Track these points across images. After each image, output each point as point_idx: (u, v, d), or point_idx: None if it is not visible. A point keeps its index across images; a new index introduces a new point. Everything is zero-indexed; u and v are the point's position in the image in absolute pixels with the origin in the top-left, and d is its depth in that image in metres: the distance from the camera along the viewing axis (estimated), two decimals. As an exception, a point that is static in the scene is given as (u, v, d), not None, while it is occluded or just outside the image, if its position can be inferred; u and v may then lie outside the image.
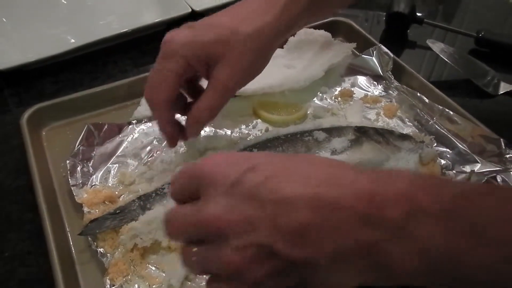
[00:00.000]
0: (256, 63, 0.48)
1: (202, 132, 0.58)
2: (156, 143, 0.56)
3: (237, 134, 0.58)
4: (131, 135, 0.57)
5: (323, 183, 0.28)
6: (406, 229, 0.26)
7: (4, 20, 0.75)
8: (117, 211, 0.47)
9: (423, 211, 0.26)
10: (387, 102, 0.61)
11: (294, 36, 0.67)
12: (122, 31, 0.71)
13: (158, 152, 0.55)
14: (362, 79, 0.65)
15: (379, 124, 0.58)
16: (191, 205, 0.31)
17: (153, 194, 0.48)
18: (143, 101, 0.61)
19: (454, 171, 0.52)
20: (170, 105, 0.46)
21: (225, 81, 0.45)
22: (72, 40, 0.72)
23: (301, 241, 0.27)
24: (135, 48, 0.73)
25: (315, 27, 0.69)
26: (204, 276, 0.43)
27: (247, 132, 0.59)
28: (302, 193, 0.27)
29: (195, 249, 0.30)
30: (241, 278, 0.28)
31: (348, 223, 0.27)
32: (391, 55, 0.64)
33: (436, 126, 0.57)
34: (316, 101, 0.62)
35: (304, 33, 0.67)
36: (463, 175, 0.51)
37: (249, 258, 0.28)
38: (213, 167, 0.30)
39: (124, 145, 0.56)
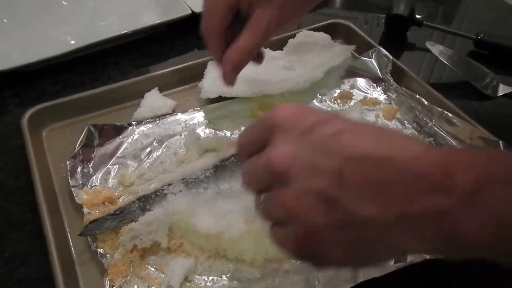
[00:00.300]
0: (297, 13, 0.49)
1: (202, 134, 0.58)
2: (156, 144, 0.57)
3: (237, 136, 0.58)
4: (131, 136, 0.57)
5: (395, 147, 0.28)
6: (478, 197, 0.25)
7: (5, 20, 0.76)
8: (117, 212, 0.47)
9: (495, 178, 0.26)
10: (386, 104, 0.61)
11: (294, 38, 0.67)
12: (122, 32, 0.71)
13: (157, 154, 0.56)
14: (361, 81, 0.65)
15: (378, 126, 0.59)
16: (261, 153, 0.31)
17: (153, 195, 0.48)
18: (143, 102, 0.61)
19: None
20: (223, 36, 0.47)
21: (267, 24, 0.45)
22: (72, 42, 0.72)
23: (367, 198, 0.27)
24: (135, 49, 0.73)
25: (314, 30, 0.69)
26: (204, 277, 0.44)
27: (246, 133, 0.59)
28: (374, 152, 0.27)
29: (262, 196, 0.31)
30: (297, 223, 0.28)
31: (418, 187, 0.26)
32: (390, 57, 0.64)
33: (435, 128, 0.57)
34: (316, 103, 0.63)
35: (304, 35, 0.67)
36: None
37: (309, 204, 0.28)
38: (285, 114, 0.31)
39: (124, 146, 0.56)
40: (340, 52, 0.66)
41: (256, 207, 0.32)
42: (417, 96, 0.60)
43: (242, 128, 0.59)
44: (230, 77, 0.49)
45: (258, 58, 0.53)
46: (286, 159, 0.29)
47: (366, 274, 0.40)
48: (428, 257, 0.41)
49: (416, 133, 0.57)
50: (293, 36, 0.68)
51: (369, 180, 0.27)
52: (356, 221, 0.27)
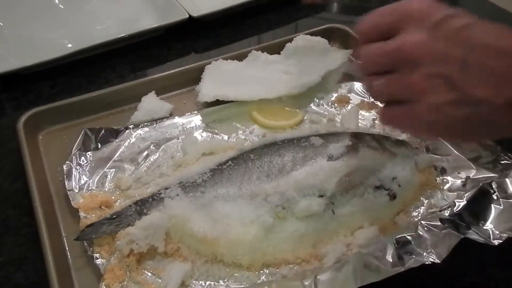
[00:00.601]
0: None
1: (199, 137, 0.58)
2: (153, 148, 0.56)
3: (234, 139, 0.58)
4: (128, 140, 0.57)
5: None
6: None
7: (1, 24, 0.75)
8: (114, 216, 0.47)
9: None
10: (383, 108, 0.61)
11: (291, 42, 0.68)
12: (119, 36, 0.71)
13: (154, 157, 0.55)
14: (358, 85, 0.65)
15: (375, 130, 0.59)
16: (389, 40, 0.36)
17: (150, 199, 0.48)
18: (140, 105, 0.61)
19: (449, 177, 0.52)
20: None
21: None
22: (70, 45, 0.72)
23: (485, 83, 0.32)
24: (133, 53, 0.73)
25: (312, 34, 0.69)
26: (201, 282, 0.43)
27: (243, 137, 0.59)
28: (496, 44, 0.32)
29: (381, 79, 0.36)
30: (421, 100, 0.35)
31: None
32: (387, 61, 0.65)
33: (432, 132, 0.57)
34: (313, 107, 0.63)
35: (301, 39, 0.68)
36: (459, 181, 0.52)
37: (435, 84, 0.34)
38: (419, 6, 0.35)
39: (121, 149, 0.56)
40: (337, 57, 0.66)
41: (369, 88, 0.39)
42: (414, 101, 0.60)
43: (240, 132, 0.59)
44: None
45: None
46: (419, 45, 0.34)
47: (364, 279, 0.40)
48: (426, 262, 0.41)
49: (413, 137, 0.57)
50: (290, 40, 0.68)
51: (489, 67, 0.32)
52: (472, 101, 0.33)
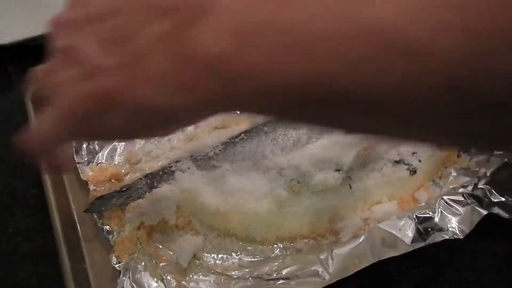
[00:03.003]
0: None
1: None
2: (164, 121, 0.55)
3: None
4: (138, 113, 0.56)
5: None
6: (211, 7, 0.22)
7: (9, -6, 0.73)
8: (124, 189, 0.46)
9: None
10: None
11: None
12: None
13: (165, 131, 0.54)
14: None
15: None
16: None
17: (160, 173, 0.47)
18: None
19: (472, 153, 0.50)
20: None
21: None
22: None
23: None
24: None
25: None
26: (213, 255, 0.42)
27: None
28: None
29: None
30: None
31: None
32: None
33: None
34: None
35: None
36: (482, 157, 0.49)
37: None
38: None
39: (130, 122, 0.55)
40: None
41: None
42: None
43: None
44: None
45: None
46: None
47: (381, 254, 0.38)
48: (448, 237, 0.39)
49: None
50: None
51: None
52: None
